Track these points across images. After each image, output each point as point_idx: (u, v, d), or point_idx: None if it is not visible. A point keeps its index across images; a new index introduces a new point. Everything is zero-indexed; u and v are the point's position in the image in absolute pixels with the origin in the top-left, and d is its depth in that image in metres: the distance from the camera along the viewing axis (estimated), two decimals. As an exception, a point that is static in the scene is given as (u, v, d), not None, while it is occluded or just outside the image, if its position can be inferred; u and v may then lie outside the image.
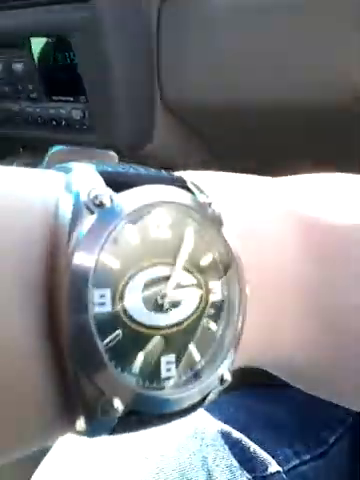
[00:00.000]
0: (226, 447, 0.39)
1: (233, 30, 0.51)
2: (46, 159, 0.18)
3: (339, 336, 0.20)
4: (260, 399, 0.49)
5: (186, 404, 0.16)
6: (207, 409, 0.42)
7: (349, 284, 0.20)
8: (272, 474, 0.40)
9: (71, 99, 0.56)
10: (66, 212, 0.14)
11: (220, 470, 0.38)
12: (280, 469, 0.41)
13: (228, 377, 0.17)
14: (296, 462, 0.42)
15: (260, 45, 0.49)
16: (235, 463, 0.39)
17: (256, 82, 0.51)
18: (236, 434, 0.41)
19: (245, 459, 0.40)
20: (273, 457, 0.41)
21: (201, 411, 0.42)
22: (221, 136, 0.61)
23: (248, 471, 0.39)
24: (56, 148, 0.18)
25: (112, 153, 0.19)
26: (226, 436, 0.40)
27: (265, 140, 0.60)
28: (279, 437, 0.44)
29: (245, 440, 0.41)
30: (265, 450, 0.41)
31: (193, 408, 0.16)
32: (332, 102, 0.48)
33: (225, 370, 0.17)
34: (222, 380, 0.16)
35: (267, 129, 0.58)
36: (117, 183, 0.15)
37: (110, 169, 0.16)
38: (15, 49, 0.56)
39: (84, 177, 0.15)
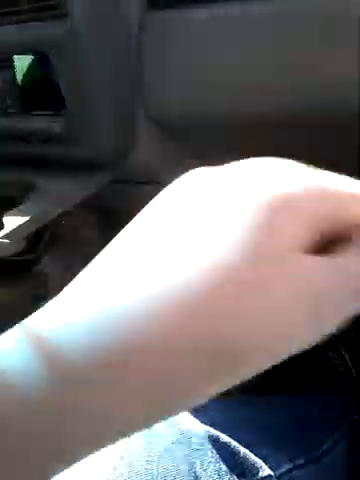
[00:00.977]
0: (214, 451, 0.38)
1: (216, 43, 0.51)
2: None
3: None
4: (251, 403, 0.49)
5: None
6: (195, 413, 0.42)
7: None
8: (263, 478, 0.39)
9: (51, 113, 0.56)
10: None
11: (208, 475, 0.37)
12: (272, 473, 0.40)
13: None
14: (289, 466, 0.41)
15: (243, 58, 0.49)
16: (224, 467, 0.38)
17: (239, 95, 0.51)
18: (225, 438, 0.40)
19: (234, 463, 0.39)
20: (264, 461, 0.40)
21: (188, 415, 0.41)
22: (205, 147, 0.61)
23: (238, 475, 0.38)
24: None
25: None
26: (214, 440, 0.39)
27: (250, 152, 0.59)
28: (271, 441, 0.43)
29: (234, 444, 0.40)
30: (256, 454, 0.40)
31: None
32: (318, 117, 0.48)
33: None
34: None
35: (252, 142, 0.57)
36: None
37: None
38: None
39: None
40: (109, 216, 0.84)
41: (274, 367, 0.18)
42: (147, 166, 0.63)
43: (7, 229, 0.47)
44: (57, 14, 0.52)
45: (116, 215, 0.87)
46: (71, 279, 0.18)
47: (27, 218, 0.48)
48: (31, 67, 0.55)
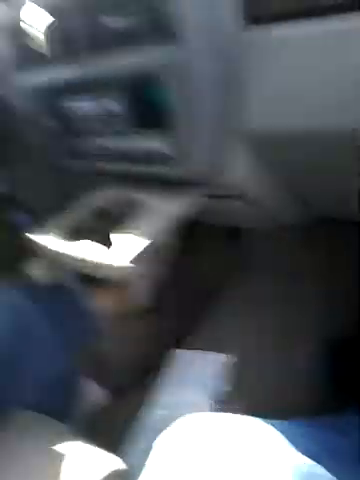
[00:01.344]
0: None
1: (314, 59, 0.51)
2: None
3: None
4: (324, 428, 0.51)
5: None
6: (280, 439, 0.44)
7: None
8: None
9: (161, 134, 0.58)
10: None
11: None
12: None
13: None
14: None
15: (341, 75, 0.49)
16: None
17: (343, 113, 0.51)
18: (306, 467, 0.43)
19: None
20: None
21: (275, 442, 0.43)
22: (302, 168, 0.62)
23: None
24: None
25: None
26: (298, 469, 0.42)
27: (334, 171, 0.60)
28: (344, 466, 0.46)
29: (315, 471, 0.43)
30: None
31: None
32: None
33: None
34: None
35: (340, 161, 0.58)
36: None
37: None
38: (106, 87, 0.59)
39: None
40: (196, 229, 0.86)
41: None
42: (235, 182, 0.65)
43: (130, 252, 0.49)
44: (167, 37, 0.54)
45: (203, 228, 0.89)
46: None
47: (146, 241, 0.50)
48: (142, 89, 0.57)
